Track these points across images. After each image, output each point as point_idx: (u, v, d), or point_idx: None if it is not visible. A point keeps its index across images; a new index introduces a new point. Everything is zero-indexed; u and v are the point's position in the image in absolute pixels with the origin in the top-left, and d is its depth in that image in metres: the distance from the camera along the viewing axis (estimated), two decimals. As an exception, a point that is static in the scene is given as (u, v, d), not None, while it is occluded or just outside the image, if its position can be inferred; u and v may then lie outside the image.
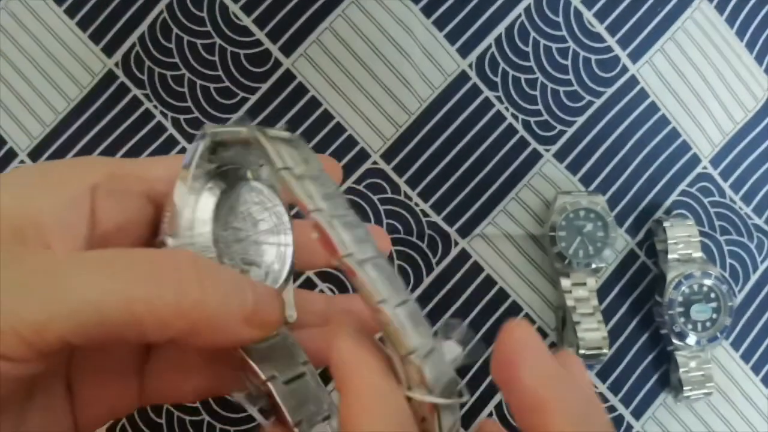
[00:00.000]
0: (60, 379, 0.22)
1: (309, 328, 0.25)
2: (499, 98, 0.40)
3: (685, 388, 0.38)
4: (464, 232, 0.39)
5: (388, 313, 0.19)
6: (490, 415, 0.38)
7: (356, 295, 0.31)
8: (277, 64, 0.39)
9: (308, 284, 0.39)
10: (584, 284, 0.38)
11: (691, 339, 0.38)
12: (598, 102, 0.41)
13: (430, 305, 0.39)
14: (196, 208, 0.22)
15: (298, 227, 0.25)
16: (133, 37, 0.39)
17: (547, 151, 0.40)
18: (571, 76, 0.41)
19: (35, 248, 0.19)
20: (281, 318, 0.21)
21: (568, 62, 0.41)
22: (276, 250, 0.24)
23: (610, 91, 0.41)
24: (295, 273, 0.25)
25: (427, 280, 0.39)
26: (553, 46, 0.40)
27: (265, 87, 0.39)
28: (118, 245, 0.22)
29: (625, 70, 0.41)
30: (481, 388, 0.38)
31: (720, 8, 0.42)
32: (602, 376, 0.39)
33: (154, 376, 0.24)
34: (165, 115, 0.39)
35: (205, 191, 0.22)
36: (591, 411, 0.18)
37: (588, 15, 0.41)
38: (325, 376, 0.23)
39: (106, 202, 0.21)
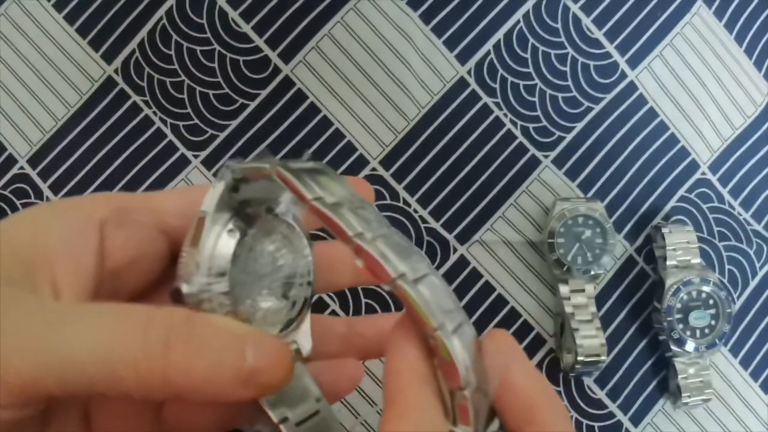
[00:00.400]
0: (76, 408, 0.22)
1: (325, 360, 0.25)
2: (497, 104, 0.40)
3: (683, 395, 0.38)
4: (463, 238, 0.39)
5: (445, 342, 0.18)
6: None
7: (378, 316, 0.31)
8: (277, 70, 0.39)
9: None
10: (583, 291, 0.38)
11: (690, 346, 0.38)
12: (597, 108, 0.41)
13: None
14: (215, 252, 0.21)
15: (321, 249, 0.24)
16: (133, 44, 0.39)
17: (546, 157, 0.40)
18: (569, 82, 0.41)
19: (35, 290, 0.19)
20: (286, 378, 0.20)
21: (567, 68, 0.41)
22: (296, 284, 0.23)
23: (608, 97, 0.41)
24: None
25: (425, 287, 0.39)
26: (552, 52, 0.40)
27: (264, 93, 0.39)
28: (130, 280, 0.22)
29: (623, 76, 0.41)
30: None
31: (719, 14, 0.42)
32: (600, 382, 0.39)
33: (171, 410, 0.23)
34: (164, 122, 0.39)
35: (225, 233, 0.21)
36: (560, 402, 0.20)
37: (587, 21, 0.41)
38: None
39: (116, 235, 0.21)
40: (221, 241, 0.21)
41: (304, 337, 0.24)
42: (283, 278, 0.23)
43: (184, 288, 0.20)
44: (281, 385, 0.20)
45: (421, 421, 0.18)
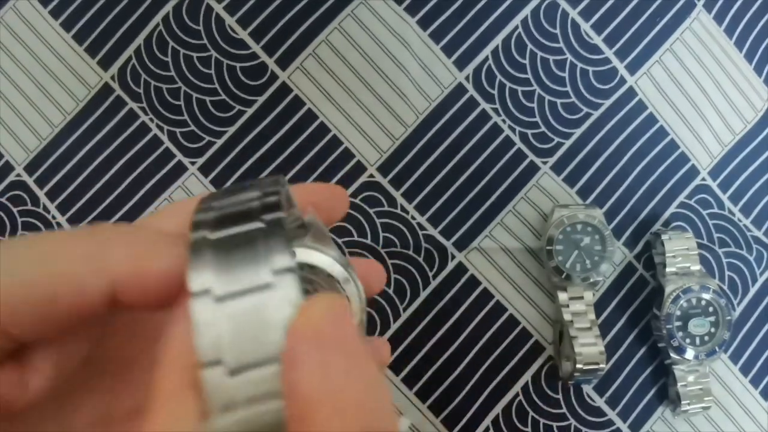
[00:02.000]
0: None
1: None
2: (496, 110, 0.40)
3: (683, 402, 0.38)
4: (461, 245, 0.39)
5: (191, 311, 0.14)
6: (487, 431, 0.38)
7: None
8: (274, 77, 0.39)
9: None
10: (581, 298, 0.38)
11: (690, 353, 0.37)
12: (596, 114, 0.40)
13: (427, 319, 0.39)
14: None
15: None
16: (129, 51, 0.39)
17: (545, 163, 0.40)
18: (568, 88, 0.40)
19: None
20: None
21: (566, 74, 0.40)
22: None
23: (607, 102, 0.41)
24: None
25: (423, 294, 0.39)
26: (551, 57, 0.40)
27: (261, 100, 0.39)
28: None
29: (623, 81, 0.41)
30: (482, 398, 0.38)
31: (718, 19, 0.42)
32: (600, 389, 0.39)
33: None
34: (161, 128, 0.39)
35: None
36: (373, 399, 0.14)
37: (585, 26, 0.40)
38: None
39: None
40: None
41: None
42: None
43: None
44: None
45: (167, 420, 0.14)
